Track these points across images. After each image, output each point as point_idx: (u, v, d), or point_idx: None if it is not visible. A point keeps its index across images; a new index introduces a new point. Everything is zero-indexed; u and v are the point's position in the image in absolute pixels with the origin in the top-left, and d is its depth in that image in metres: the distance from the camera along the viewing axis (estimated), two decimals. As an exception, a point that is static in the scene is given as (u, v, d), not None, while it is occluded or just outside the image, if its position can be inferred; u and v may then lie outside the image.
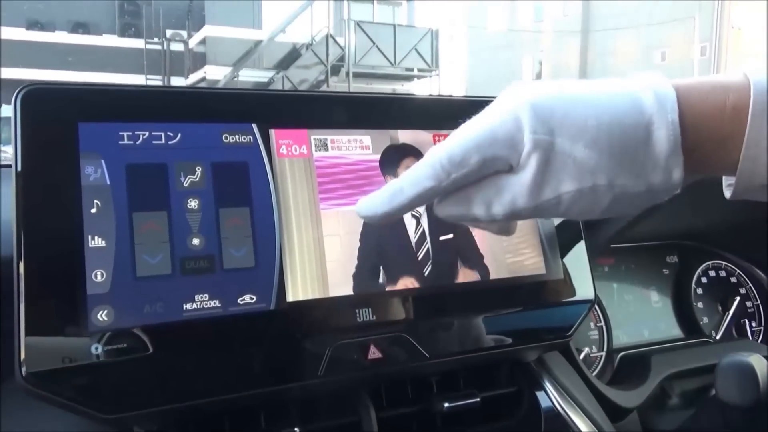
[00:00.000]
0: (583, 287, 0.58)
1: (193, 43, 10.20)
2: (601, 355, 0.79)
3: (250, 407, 0.48)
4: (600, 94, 0.31)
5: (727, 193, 0.33)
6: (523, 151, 0.30)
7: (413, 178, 0.33)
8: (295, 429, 0.46)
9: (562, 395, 0.56)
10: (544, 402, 0.56)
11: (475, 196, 0.32)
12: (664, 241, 0.91)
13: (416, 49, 9.97)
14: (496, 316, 0.53)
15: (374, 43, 9.58)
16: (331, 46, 9.42)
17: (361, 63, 9.66)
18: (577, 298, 0.57)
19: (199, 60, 9.95)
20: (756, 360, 0.48)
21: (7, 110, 0.44)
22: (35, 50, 9.02)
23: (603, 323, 0.81)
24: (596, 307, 0.81)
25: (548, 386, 0.57)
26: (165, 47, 10.14)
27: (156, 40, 10.12)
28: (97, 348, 0.41)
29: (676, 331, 0.87)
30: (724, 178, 0.34)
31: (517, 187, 0.31)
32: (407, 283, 0.52)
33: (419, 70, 10.27)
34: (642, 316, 0.86)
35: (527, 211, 0.32)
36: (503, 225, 0.38)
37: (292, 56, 9.75)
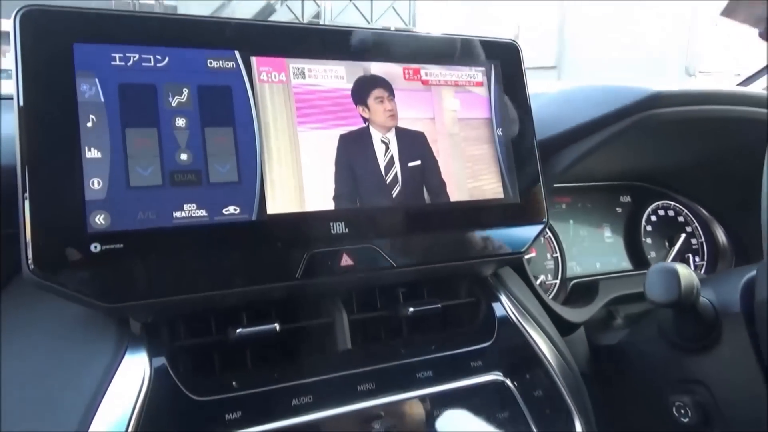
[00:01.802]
0: (537, 211, 0.64)
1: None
2: (556, 283, 0.87)
3: (233, 308, 0.53)
4: None
5: None
6: None
7: None
8: (275, 325, 0.52)
9: (516, 306, 0.63)
10: (499, 311, 0.62)
11: None
12: (618, 181, 0.97)
13: (393, 8, 9.85)
14: (457, 233, 0.59)
15: (351, 0, 9.43)
16: (306, 1, 9.24)
17: (337, 20, 9.51)
18: (531, 220, 0.63)
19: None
20: (681, 266, 0.55)
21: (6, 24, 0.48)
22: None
23: (558, 254, 0.88)
24: (552, 239, 0.88)
25: (503, 298, 0.63)
26: None
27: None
28: (96, 246, 0.46)
29: (625, 264, 0.95)
30: None
31: None
32: (377, 202, 0.57)
33: (396, 29, 10.15)
34: (595, 249, 0.93)
35: None
36: None
37: (265, 12, 9.55)
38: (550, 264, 0.88)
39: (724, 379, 0.62)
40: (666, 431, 0.66)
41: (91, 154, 0.47)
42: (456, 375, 0.55)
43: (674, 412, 0.64)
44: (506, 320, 0.62)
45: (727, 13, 0.47)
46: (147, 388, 0.46)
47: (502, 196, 0.63)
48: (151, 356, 0.47)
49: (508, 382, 0.57)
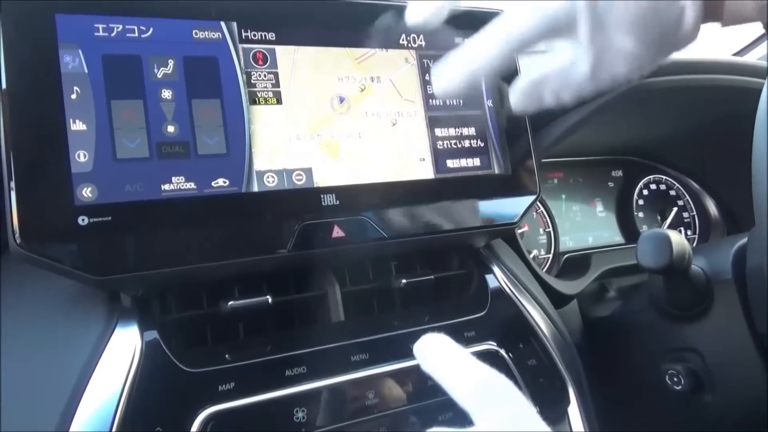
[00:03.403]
0: (529, 182, 0.64)
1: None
2: (548, 257, 0.87)
3: (225, 281, 0.53)
4: None
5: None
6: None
7: (488, 43, 0.35)
8: (267, 297, 0.51)
9: (509, 278, 0.63)
10: (492, 283, 0.62)
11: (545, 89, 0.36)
12: (609, 156, 0.97)
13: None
14: (449, 205, 0.59)
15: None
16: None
17: None
18: (522, 191, 0.63)
19: None
20: (672, 233, 0.55)
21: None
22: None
23: (551, 229, 0.88)
24: (545, 213, 0.88)
25: (496, 269, 0.63)
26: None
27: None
28: (83, 219, 0.45)
29: (618, 238, 0.95)
30: None
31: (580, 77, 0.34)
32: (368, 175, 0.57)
33: None
34: (587, 224, 0.94)
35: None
36: None
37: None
38: (543, 239, 0.88)
39: (716, 345, 0.62)
40: (659, 400, 0.66)
41: (76, 126, 0.47)
42: (449, 345, 0.55)
43: (667, 380, 0.65)
44: (499, 291, 0.62)
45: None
46: (139, 361, 0.45)
47: (493, 167, 0.62)
48: (142, 330, 0.47)
49: (502, 351, 0.57)
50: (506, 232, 0.66)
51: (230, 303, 0.50)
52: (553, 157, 0.89)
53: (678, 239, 0.55)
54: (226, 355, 0.49)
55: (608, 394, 0.67)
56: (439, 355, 0.40)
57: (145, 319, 0.48)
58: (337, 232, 0.53)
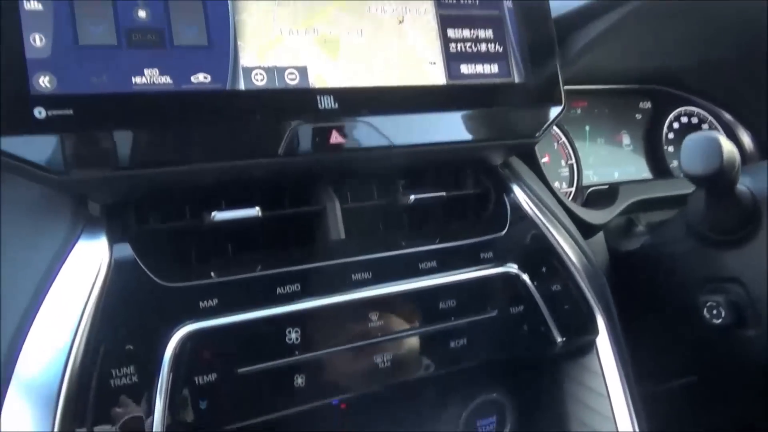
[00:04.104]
0: (553, 92, 0.57)
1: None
2: (571, 191, 0.80)
3: (209, 191, 0.47)
4: None
5: None
6: None
7: None
8: (256, 209, 0.45)
9: (530, 198, 0.56)
10: (512, 202, 0.55)
11: None
12: (637, 84, 0.89)
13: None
14: (463, 114, 0.52)
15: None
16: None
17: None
18: (545, 102, 0.56)
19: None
20: (722, 137, 0.48)
21: None
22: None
23: (574, 161, 0.81)
24: (567, 144, 0.81)
25: (516, 188, 0.56)
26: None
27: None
28: (40, 111, 0.39)
29: (646, 174, 0.88)
30: None
31: None
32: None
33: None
34: (613, 158, 0.86)
35: None
36: None
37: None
38: (565, 171, 0.81)
39: (760, 274, 0.55)
40: (695, 334, 0.60)
41: (30, 5, 0.40)
42: (463, 266, 0.49)
43: (705, 313, 0.58)
44: (520, 211, 0.55)
45: None
46: (106, 275, 0.40)
47: (513, 75, 0.55)
48: (111, 241, 0.41)
49: (524, 276, 0.51)
50: (527, 147, 0.59)
51: (214, 214, 0.44)
52: (576, 83, 0.81)
53: (728, 145, 0.48)
54: (210, 271, 0.43)
55: (638, 329, 0.61)
56: None
57: (115, 229, 0.42)
58: (336, 138, 0.47)
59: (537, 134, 0.55)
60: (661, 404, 0.61)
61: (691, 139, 0.50)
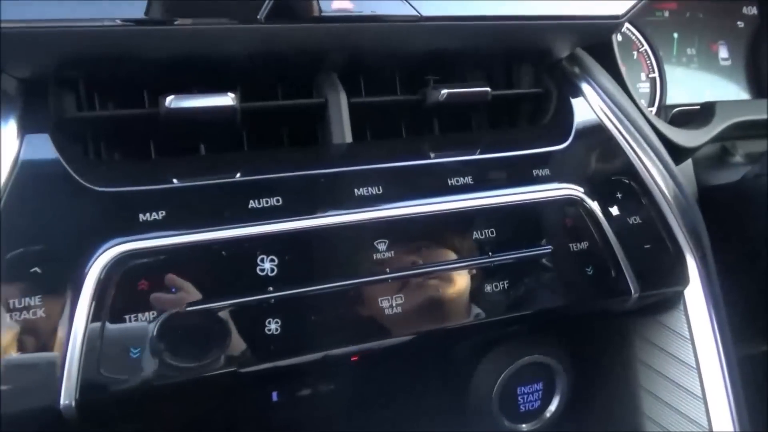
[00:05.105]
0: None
1: None
2: (652, 110, 0.65)
3: (172, 74, 0.35)
4: None
5: None
6: None
7: None
8: (229, 95, 0.33)
9: (606, 103, 0.42)
10: (579, 108, 0.42)
11: None
12: (742, -17, 0.72)
13: None
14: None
15: None
16: None
17: None
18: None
19: None
20: None
21: None
22: None
23: (657, 74, 0.66)
24: (650, 54, 0.66)
25: (587, 90, 0.43)
26: None
27: None
28: None
29: (744, 95, 0.72)
30: None
31: None
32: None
33: None
34: (705, 74, 0.71)
35: None
36: None
37: None
38: (645, 87, 0.66)
39: None
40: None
41: None
42: (509, 184, 0.36)
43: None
44: (590, 119, 0.42)
45: None
46: (11, 171, 0.29)
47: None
48: (24, 127, 0.30)
49: (591, 202, 0.38)
50: (604, 32, 0.44)
51: (170, 99, 0.33)
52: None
53: None
54: (158, 172, 0.32)
55: (729, 280, 0.47)
56: None
57: (32, 111, 0.31)
58: (340, 2, 0.34)
59: (622, 13, 0.41)
60: (755, 372, 0.48)
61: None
